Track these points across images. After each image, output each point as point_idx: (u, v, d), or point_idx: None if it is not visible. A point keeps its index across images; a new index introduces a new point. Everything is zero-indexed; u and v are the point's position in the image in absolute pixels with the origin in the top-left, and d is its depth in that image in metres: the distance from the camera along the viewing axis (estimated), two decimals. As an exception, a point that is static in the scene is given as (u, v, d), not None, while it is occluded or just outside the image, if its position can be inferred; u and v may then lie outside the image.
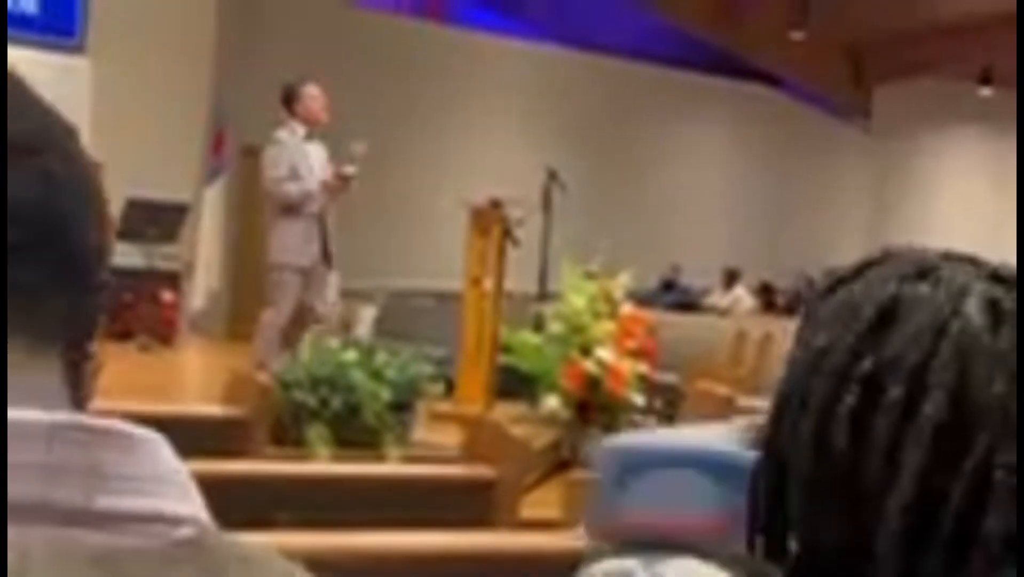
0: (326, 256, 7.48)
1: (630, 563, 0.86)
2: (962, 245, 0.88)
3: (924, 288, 0.82)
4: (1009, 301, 0.81)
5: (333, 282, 8.08)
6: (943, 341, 0.79)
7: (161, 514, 0.63)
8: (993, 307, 0.81)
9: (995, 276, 0.83)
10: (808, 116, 18.60)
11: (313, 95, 7.64)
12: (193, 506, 0.65)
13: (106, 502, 0.61)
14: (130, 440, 0.64)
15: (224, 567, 0.64)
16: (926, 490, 0.77)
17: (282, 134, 7.54)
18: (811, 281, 16.27)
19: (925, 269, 0.84)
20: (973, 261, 0.85)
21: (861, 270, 0.87)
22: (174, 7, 11.69)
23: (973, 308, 0.80)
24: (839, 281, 0.87)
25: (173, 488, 0.64)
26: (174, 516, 0.63)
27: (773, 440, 0.84)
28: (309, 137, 7.57)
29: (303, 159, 7.45)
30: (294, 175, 7.39)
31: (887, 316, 0.82)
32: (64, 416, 0.62)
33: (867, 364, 0.80)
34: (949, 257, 0.85)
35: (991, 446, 0.77)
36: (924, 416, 0.78)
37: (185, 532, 0.63)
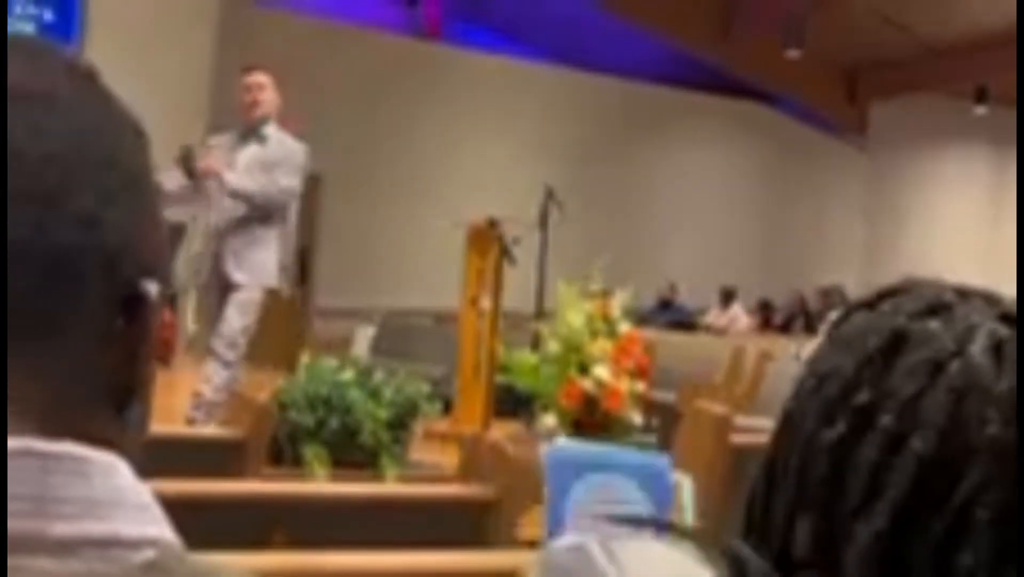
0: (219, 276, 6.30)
1: (588, 539, 0.90)
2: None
3: (933, 324, 0.82)
4: (1012, 344, 0.81)
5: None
6: (940, 378, 0.79)
7: (118, 538, 0.61)
8: (997, 349, 0.81)
9: (1005, 316, 0.83)
10: (803, 134, 18.64)
11: (241, 84, 6.24)
12: (154, 527, 0.63)
13: (61, 528, 0.59)
14: (84, 463, 0.62)
15: None
16: (905, 521, 0.77)
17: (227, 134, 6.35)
18: (803, 300, 16.30)
19: (938, 306, 0.84)
20: (988, 298, 0.85)
21: (878, 300, 0.87)
22: (172, 22, 11.71)
23: (977, 349, 0.81)
24: (857, 308, 0.88)
25: (131, 510, 0.63)
26: (133, 539, 0.62)
27: (771, 456, 0.86)
28: (244, 136, 6.24)
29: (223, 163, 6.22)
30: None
31: (890, 350, 0.82)
32: (14, 443, 0.60)
33: (863, 396, 0.81)
34: (965, 294, 0.86)
35: (980, 485, 0.77)
36: (911, 450, 0.78)
37: (146, 555, 0.62)
